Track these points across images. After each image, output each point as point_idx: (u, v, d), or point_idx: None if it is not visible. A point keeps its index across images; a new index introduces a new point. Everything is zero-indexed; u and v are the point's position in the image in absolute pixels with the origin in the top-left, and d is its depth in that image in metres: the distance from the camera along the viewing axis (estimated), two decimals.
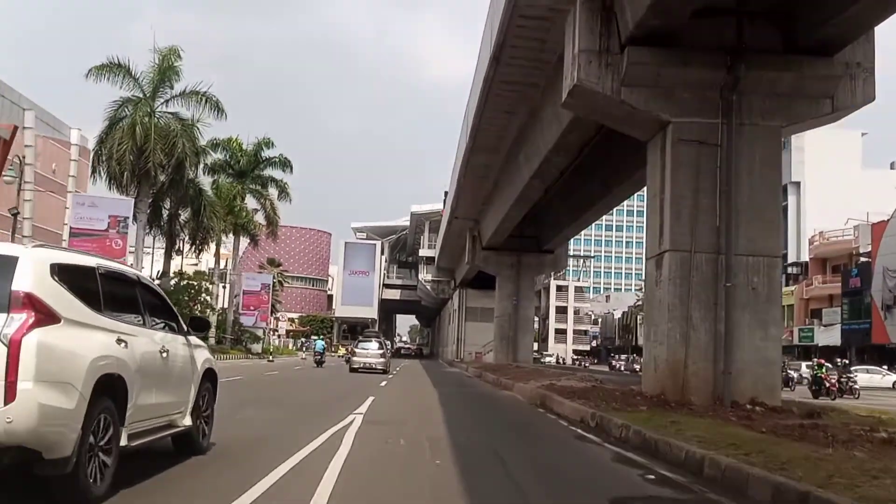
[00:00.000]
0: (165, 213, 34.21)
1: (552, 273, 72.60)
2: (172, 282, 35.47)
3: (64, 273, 4.93)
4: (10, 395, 4.28)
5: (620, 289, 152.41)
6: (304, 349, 71.95)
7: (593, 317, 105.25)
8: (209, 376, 7.39)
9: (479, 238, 44.03)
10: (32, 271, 4.66)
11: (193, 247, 35.27)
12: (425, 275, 70.91)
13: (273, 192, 45.73)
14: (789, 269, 60.74)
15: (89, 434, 4.80)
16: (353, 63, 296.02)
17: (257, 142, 44.98)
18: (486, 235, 42.55)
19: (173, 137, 29.41)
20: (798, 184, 60.96)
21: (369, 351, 31.46)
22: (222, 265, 51.45)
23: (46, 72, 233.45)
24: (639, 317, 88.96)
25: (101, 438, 4.98)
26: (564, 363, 74.94)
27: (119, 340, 5.32)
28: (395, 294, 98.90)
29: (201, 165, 35.79)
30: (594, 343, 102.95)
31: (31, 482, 4.70)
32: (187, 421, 6.72)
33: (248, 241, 44.08)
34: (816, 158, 59.20)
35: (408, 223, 78.50)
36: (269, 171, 45.86)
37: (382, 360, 31.04)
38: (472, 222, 44.32)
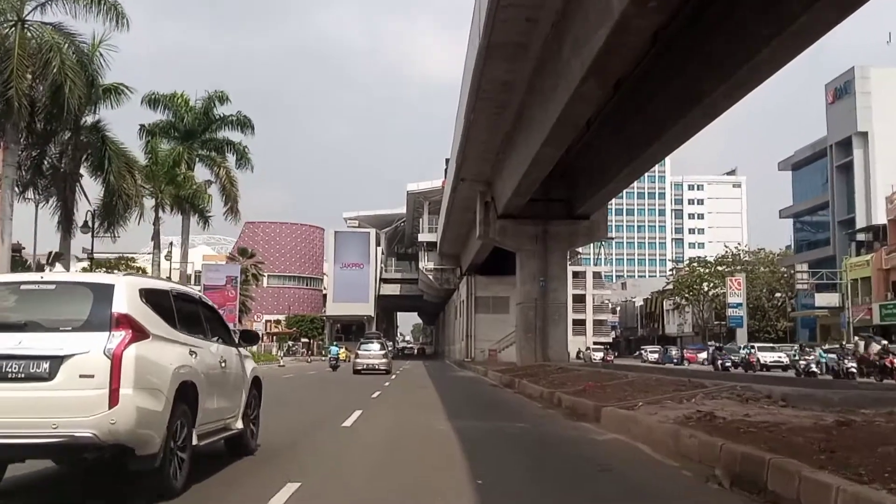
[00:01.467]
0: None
1: (590, 245, 63.15)
2: (77, 266, 26.45)
3: (149, 296, 5.90)
4: (114, 400, 5.13)
5: (634, 275, 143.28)
6: (292, 353, 62.51)
7: (611, 305, 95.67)
8: (256, 384, 8.21)
9: (493, 205, 34.54)
10: (127, 296, 5.58)
11: (106, 222, 25.61)
12: (426, 263, 61.64)
13: (231, 160, 36.14)
14: (859, 236, 51.23)
15: (172, 434, 5.68)
16: (346, 71, 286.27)
17: (208, 96, 35.47)
18: (503, 200, 33.11)
19: (45, 54, 19.92)
20: (864, 134, 51.49)
21: (371, 353, 32.05)
22: (173, 255, 41.77)
23: None
24: (667, 303, 79.35)
25: (179, 438, 5.83)
26: (590, 359, 65.21)
27: (191, 352, 6.21)
28: (394, 289, 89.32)
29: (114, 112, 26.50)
30: (614, 334, 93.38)
31: (122, 476, 5.55)
32: (239, 424, 7.44)
33: (198, 219, 34.41)
34: (887, 105, 49.72)
35: (406, 212, 69.23)
36: (224, 133, 36.39)
37: (385, 360, 31.70)
38: (483, 185, 34.84)
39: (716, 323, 73.27)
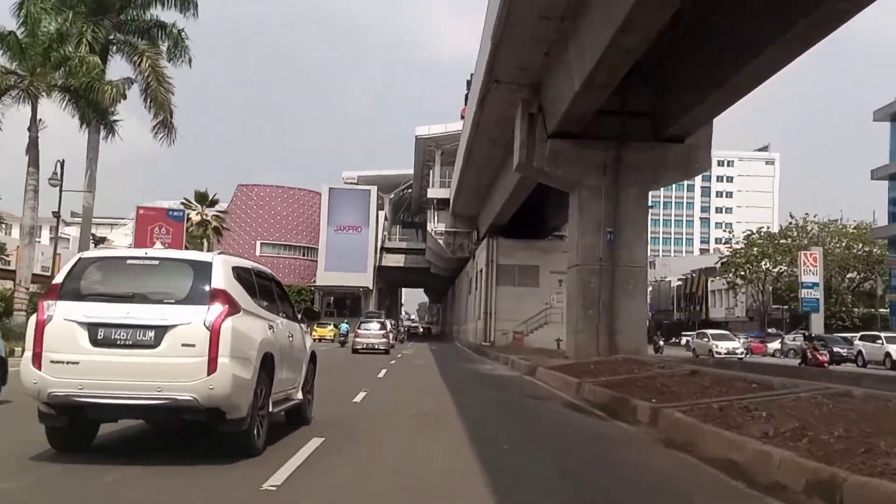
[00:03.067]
0: None
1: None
2: None
3: (238, 273, 6.44)
4: (213, 367, 5.70)
5: (659, 254, 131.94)
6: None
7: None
8: (313, 358, 8.65)
9: (540, 118, 23.29)
10: (223, 273, 6.12)
11: None
12: (436, 225, 50.58)
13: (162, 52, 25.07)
14: None
15: (256, 400, 6.21)
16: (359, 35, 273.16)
17: None
18: (557, 109, 21.95)
19: None
20: None
21: (371, 332, 31.39)
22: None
23: None
24: (716, 282, 67.90)
25: (260, 404, 6.33)
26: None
27: (269, 326, 6.70)
28: (397, 260, 78.33)
29: None
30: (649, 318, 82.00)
31: (211, 438, 6.17)
32: (300, 395, 7.93)
33: (105, 129, 23.35)
34: None
35: (413, 166, 57.58)
36: (154, 13, 25.30)
37: (384, 340, 31.05)
38: (527, 91, 23.55)
39: (774, 307, 62.40)
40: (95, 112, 22.29)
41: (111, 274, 6.18)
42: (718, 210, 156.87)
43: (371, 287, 63.69)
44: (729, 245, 59.83)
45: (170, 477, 5.59)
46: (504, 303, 41.56)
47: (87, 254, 6.56)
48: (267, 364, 6.44)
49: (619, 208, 22.69)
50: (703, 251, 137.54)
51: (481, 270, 44.42)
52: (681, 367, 13.44)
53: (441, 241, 51.06)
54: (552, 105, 22.30)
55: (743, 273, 59.15)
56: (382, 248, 76.96)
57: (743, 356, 35.38)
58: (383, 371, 19.17)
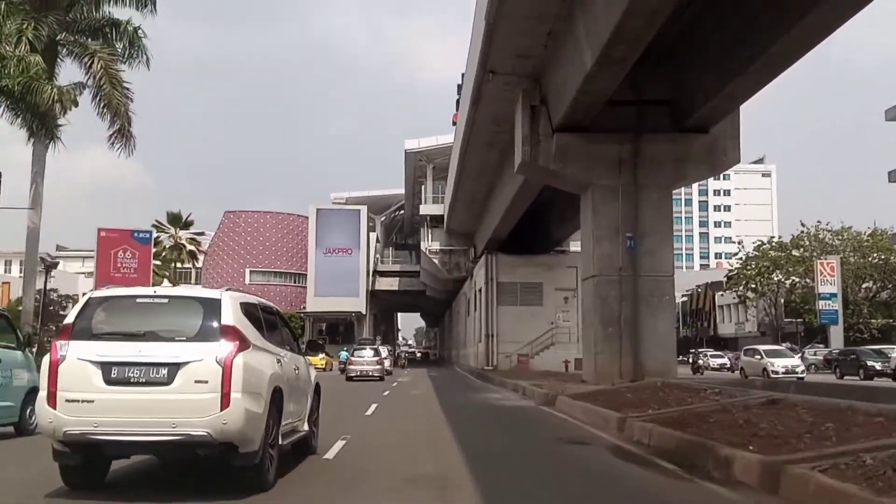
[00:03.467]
0: None
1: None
2: None
3: (246, 308, 6.53)
4: (225, 402, 5.75)
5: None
6: None
7: None
8: (317, 390, 8.75)
9: (544, 111, 20.50)
10: (232, 309, 6.18)
11: None
12: (430, 243, 47.71)
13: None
14: None
15: (268, 433, 6.25)
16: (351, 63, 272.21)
17: None
18: (563, 100, 19.16)
19: None
20: None
21: (365, 359, 30.84)
22: None
23: None
24: (724, 296, 64.94)
25: (271, 437, 6.34)
26: None
27: (277, 360, 6.79)
28: (391, 283, 75.24)
29: None
30: None
31: (221, 472, 6.17)
32: (305, 427, 7.99)
33: (46, 136, 20.47)
34: None
35: (405, 183, 54.57)
36: (107, 10, 22.61)
37: (378, 367, 30.17)
38: (528, 81, 20.80)
39: (787, 321, 59.50)
40: (35, 117, 19.38)
41: (122, 313, 6.29)
42: (717, 224, 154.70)
43: (364, 312, 60.56)
44: (739, 257, 57.03)
45: None
46: (506, 324, 38.59)
47: (96, 293, 6.65)
48: (276, 398, 6.53)
49: (638, 210, 19.83)
50: (703, 266, 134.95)
51: (480, 290, 41.49)
52: (748, 394, 10.46)
53: (436, 261, 48.14)
54: (557, 94, 19.52)
55: (754, 286, 56.24)
56: (375, 272, 73.90)
57: (804, 375, 30.56)
58: (373, 406, 16.16)
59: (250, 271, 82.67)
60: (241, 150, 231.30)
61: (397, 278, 75.26)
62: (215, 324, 6.01)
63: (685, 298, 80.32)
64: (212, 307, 6.12)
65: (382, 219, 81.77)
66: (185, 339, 5.98)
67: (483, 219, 41.00)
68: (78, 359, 5.84)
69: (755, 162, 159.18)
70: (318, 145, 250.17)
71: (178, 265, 35.87)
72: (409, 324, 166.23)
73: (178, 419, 5.70)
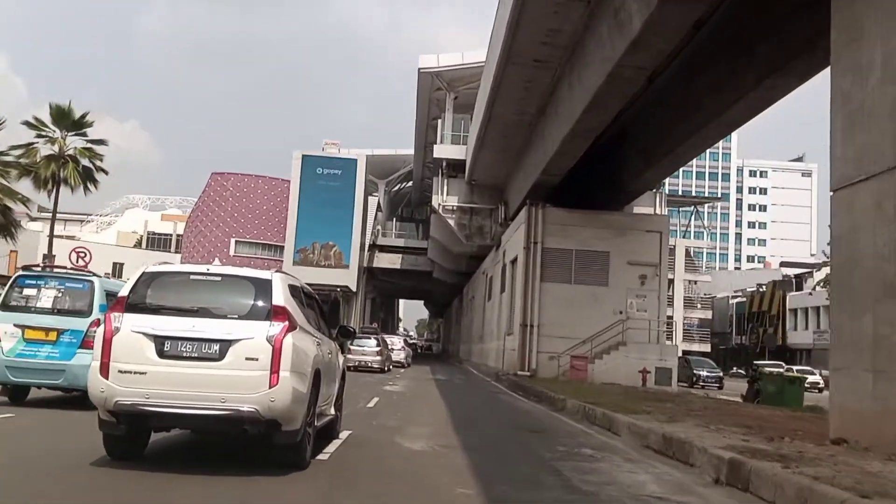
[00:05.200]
0: None
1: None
2: None
3: (292, 291, 6.64)
4: (273, 381, 5.87)
5: (702, 267, 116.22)
6: None
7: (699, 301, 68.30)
8: (343, 375, 8.84)
9: None
10: (282, 290, 6.31)
11: None
12: (445, 198, 35.17)
13: None
14: None
15: (309, 413, 6.43)
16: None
17: None
18: None
19: None
20: None
21: (365, 349, 28.72)
22: None
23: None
24: (813, 293, 52.03)
25: (310, 417, 6.49)
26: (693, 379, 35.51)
27: (317, 343, 6.97)
28: (392, 260, 63.00)
29: None
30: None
31: (260, 450, 6.31)
32: (332, 410, 8.05)
33: None
34: None
35: (416, 115, 41.78)
36: None
37: (378, 358, 28.78)
38: None
39: None
40: None
41: (175, 288, 6.44)
42: (751, 225, 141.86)
43: (354, 289, 47.87)
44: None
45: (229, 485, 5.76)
46: (552, 310, 26.17)
47: (150, 268, 6.61)
48: (316, 380, 6.67)
49: None
50: (736, 269, 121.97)
51: (515, 260, 29.03)
52: None
53: (451, 222, 35.62)
54: None
55: None
56: (374, 245, 61.76)
57: None
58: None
59: (236, 241, 71.16)
60: (249, 139, 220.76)
61: (400, 255, 62.93)
62: (266, 304, 6.15)
63: (740, 299, 67.71)
64: (263, 287, 6.26)
65: (386, 187, 69.66)
66: (236, 316, 6.12)
67: (523, 162, 28.52)
68: (132, 331, 5.96)
69: (794, 160, 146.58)
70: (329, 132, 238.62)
71: (64, 184, 23.34)
72: (410, 315, 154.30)
73: (228, 394, 5.85)
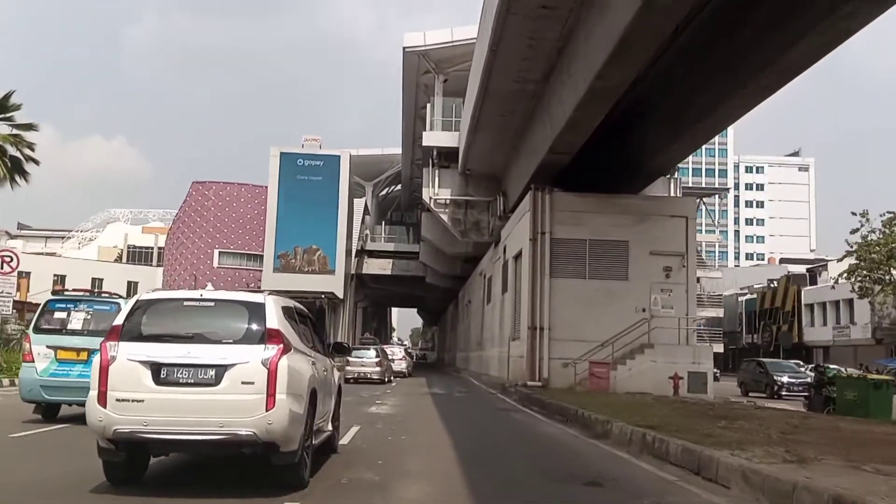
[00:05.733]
0: None
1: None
2: None
3: (285, 313, 6.66)
4: (271, 403, 5.87)
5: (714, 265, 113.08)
6: None
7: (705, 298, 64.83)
8: (339, 391, 8.85)
9: None
10: (276, 313, 6.32)
11: None
12: (437, 191, 31.60)
13: None
14: None
15: (306, 433, 6.44)
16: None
17: None
18: None
19: None
20: None
21: (364, 360, 28.16)
22: None
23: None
24: (851, 285, 48.55)
25: (307, 437, 6.50)
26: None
27: (312, 363, 6.92)
28: (383, 266, 59.48)
29: None
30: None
31: (258, 472, 6.38)
32: (329, 427, 8.04)
33: None
34: None
35: (402, 102, 38.17)
36: None
37: (378, 369, 28.12)
38: None
39: None
40: None
41: (169, 315, 6.42)
42: (749, 222, 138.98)
43: (342, 295, 44.10)
44: (863, 234, 40.77)
45: None
46: (564, 310, 22.67)
47: (144, 296, 6.68)
48: (313, 399, 6.69)
49: None
50: (736, 266, 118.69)
51: (517, 256, 25.52)
52: None
53: (445, 217, 32.09)
54: None
55: (881, 274, 40.26)
56: (363, 251, 58.23)
57: None
58: None
59: (219, 252, 67.82)
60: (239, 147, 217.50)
61: (390, 260, 59.44)
62: (260, 327, 6.18)
63: (748, 295, 64.39)
64: (256, 311, 6.28)
65: (373, 188, 66.20)
66: (231, 341, 6.14)
67: (527, 138, 25.03)
68: (128, 359, 5.98)
69: (790, 155, 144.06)
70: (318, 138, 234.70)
71: None
72: (404, 324, 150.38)
73: (225, 419, 5.85)
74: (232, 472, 6.93)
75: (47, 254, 79.20)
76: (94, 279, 73.05)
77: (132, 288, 68.03)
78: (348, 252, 48.15)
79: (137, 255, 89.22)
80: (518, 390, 20.81)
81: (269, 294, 6.63)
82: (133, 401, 5.81)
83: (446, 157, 32.29)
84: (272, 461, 6.06)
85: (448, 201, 32.00)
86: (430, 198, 32.01)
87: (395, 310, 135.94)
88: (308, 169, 43.83)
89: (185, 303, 6.51)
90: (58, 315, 10.71)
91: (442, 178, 32.09)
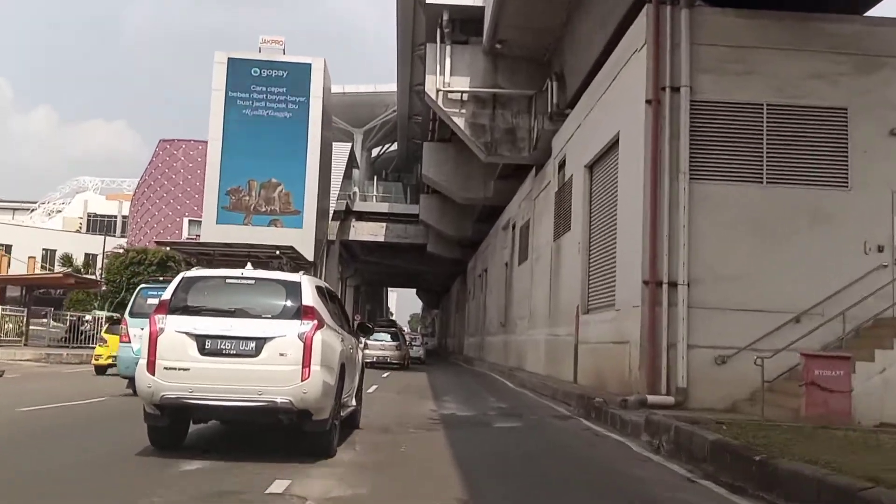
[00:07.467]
0: None
1: None
2: None
3: (318, 292, 7.25)
4: (305, 374, 6.47)
5: None
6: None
7: None
8: (362, 369, 9.38)
9: None
10: (311, 291, 6.95)
11: None
12: (447, 79, 19.90)
13: None
14: None
15: (337, 404, 7.06)
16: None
17: None
18: None
19: None
20: None
21: (384, 343, 27.90)
22: None
23: None
24: None
25: (336, 408, 7.06)
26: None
27: (341, 339, 7.52)
28: (374, 231, 48.13)
29: None
30: None
31: (289, 442, 6.98)
32: (353, 402, 8.52)
33: None
34: None
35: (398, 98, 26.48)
36: None
37: (398, 353, 28.08)
38: None
39: None
40: None
41: (213, 291, 7.03)
42: None
43: (311, 259, 32.00)
44: None
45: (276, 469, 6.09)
46: (718, 245, 10.94)
47: (189, 273, 7.36)
48: (342, 373, 7.26)
49: None
50: None
51: (599, 158, 13.78)
52: None
53: (461, 123, 20.10)
54: None
55: None
56: (350, 212, 46.79)
57: None
58: None
59: (189, 221, 56.94)
60: None
61: (384, 224, 48.01)
62: (296, 304, 6.76)
63: None
64: (293, 289, 6.90)
65: (363, 136, 54.78)
66: (269, 316, 6.75)
67: None
68: (175, 331, 6.56)
69: None
70: None
71: None
72: (402, 308, 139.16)
73: (264, 387, 6.42)
74: (264, 439, 7.56)
75: (14, 225, 71.00)
76: (45, 250, 64.80)
77: (90, 260, 58.61)
78: (323, 197, 36.10)
79: (98, 225, 79.80)
80: (658, 422, 8.85)
81: (303, 274, 7.57)
82: (179, 369, 6.44)
83: (463, 26, 20.28)
84: (305, 428, 6.67)
85: (466, 96, 20.07)
86: (439, 91, 19.97)
87: (392, 293, 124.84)
88: (267, 79, 31.84)
89: (228, 280, 7.17)
90: (150, 301, 11.52)
91: (457, 60, 20.01)
